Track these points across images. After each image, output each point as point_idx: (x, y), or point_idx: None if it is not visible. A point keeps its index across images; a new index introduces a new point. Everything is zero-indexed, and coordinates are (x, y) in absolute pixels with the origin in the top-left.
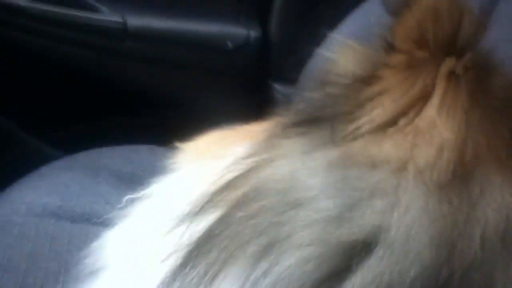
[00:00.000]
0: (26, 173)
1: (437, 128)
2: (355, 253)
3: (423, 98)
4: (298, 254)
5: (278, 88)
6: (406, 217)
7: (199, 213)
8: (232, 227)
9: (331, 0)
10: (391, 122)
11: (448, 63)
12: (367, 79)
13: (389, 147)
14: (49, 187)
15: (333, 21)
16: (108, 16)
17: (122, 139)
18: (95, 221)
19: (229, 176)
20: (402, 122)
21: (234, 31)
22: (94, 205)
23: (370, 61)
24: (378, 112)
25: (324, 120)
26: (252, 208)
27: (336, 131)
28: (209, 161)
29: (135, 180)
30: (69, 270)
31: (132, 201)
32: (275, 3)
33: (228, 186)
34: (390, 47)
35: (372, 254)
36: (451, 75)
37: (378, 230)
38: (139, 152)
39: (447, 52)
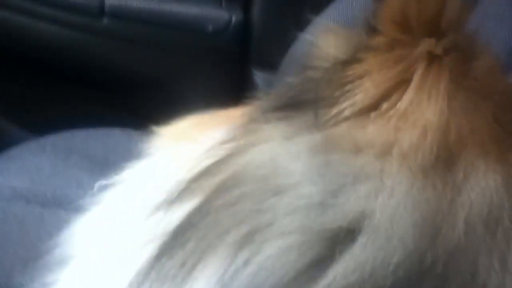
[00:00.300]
0: None
1: (420, 110)
2: (338, 240)
3: (405, 81)
4: (280, 243)
5: (258, 73)
6: (390, 202)
7: (175, 201)
8: (211, 215)
9: None
10: (374, 106)
11: (428, 44)
12: (348, 62)
13: (372, 131)
14: (18, 170)
15: (318, 6)
16: None
17: (96, 121)
18: (67, 206)
19: (206, 162)
20: (384, 105)
21: (216, 14)
22: (66, 189)
23: (352, 44)
24: (360, 96)
25: (305, 105)
26: (232, 196)
27: (318, 115)
28: (185, 145)
29: (109, 164)
30: (38, 256)
31: (104, 186)
32: None
33: (206, 172)
34: (372, 30)
35: (356, 241)
36: (432, 57)
37: (362, 216)
38: (113, 135)
39: (429, 34)
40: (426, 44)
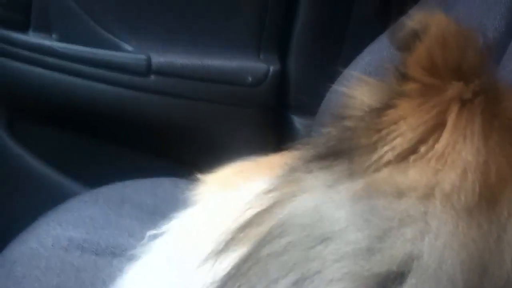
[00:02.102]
0: (52, 207)
1: (457, 152)
2: (387, 284)
3: (440, 124)
4: None
5: (298, 120)
6: (437, 243)
7: (222, 251)
8: (259, 265)
9: (348, 35)
10: (412, 150)
11: (457, 87)
12: (382, 109)
13: (413, 174)
14: (74, 221)
15: (350, 56)
16: (133, 54)
17: (145, 173)
18: (120, 254)
19: (251, 212)
20: (422, 149)
21: (254, 65)
22: (118, 238)
23: (384, 92)
24: (398, 140)
25: (345, 153)
26: (279, 245)
27: (358, 162)
28: (230, 193)
29: (158, 212)
30: None
31: (154, 236)
32: (293, 38)
33: (251, 222)
34: (402, 77)
35: (405, 283)
36: (463, 99)
37: (410, 258)
38: (161, 185)
39: (457, 78)
40: (456, 88)
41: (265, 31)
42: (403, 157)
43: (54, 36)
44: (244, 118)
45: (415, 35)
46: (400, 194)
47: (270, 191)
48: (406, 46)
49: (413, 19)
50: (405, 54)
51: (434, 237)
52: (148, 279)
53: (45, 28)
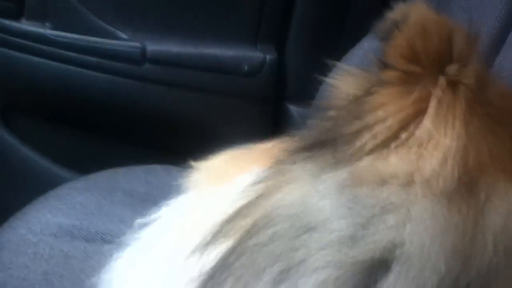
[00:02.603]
0: (43, 193)
1: (438, 137)
2: (372, 271)
3: (421, 110)
4: (315, 278)
5: (294, 109)
6: (418, 230)
7: (210, 243)
8: (246, 255)
9: (345, 25)
10: (394, 137)
11: (437, 75)
12: (363, 97)
13: (395, 162)
14: (65, 207)
15: (348, 46)
16: (128, 42)
17: (138, 160)
18: (110, 241)
19: (238, 204)
20: (403, 135)
21: (251, 55)
22: (109, 224)
23: (366, 80)
24: (379, 128)
25: (328, 143)
26: (265, 235)
27: (341, 151)
28: (220, 183)
29: (150, 199)
30: None
31: (144, 223)
32: (291, 28)
33: (237, 214)
34: (383, 66)
35: (390, 271)
36: (446, 86)
37: (393, 245)
38: (154, 172)
39: (440, 66)
40: (437, 75)
41: (262, 20)
42: (384, 144)
43: (47, 24)
44: (240, 107)
45: (396, 25)
46: (382, 181)
47: (256, 183)
48: (387, 36)
49: (394, 11)
50: (385, 43)
51: (416, 224)
52: (136, 268)
53: (38, 16)
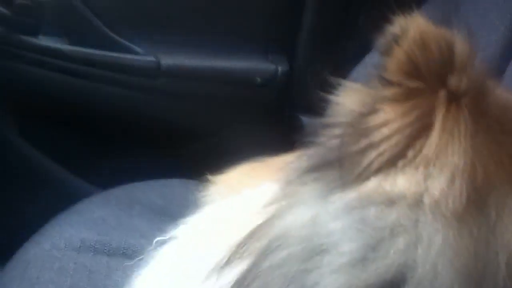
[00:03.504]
0: (63, 208)
1: (445, 154)
2: None
3: (427, 127)
4: None
5: (305, 120)
6: (430, 252)
7: (226, 265)
8: (261, 277)
9: (355, 35)
10: (400, 155)
11: (440, 90)
12: (368, 114)
13: (402, 182)
14: (86, 222)
15: (359, 56)
16: (142, 56)
17: (155, 173)
18: (131, 255)
19: (251, 226)
20: (410, 153)
21: (263, 66)
22: (130, 239)
23: (370, 97)
24: (386, 146)
25: (335, 162)
26: (278, 257)
27: (348, 171)
28: (237, 199)
29: (168, 213)
30: None
31: (162, 241)
32: (302, 39)
33: (252, 236)
34: (384, 81)
35: None
36: (450, 100)
37: (404, 268)
38: (171, 186)
39: (441, 79)
40: (439, 89)
41: (273, 32)
42: (391, 163)
43: (64, 39)
44: (253, 118)
45: (395, 40)
46: (390, 202)
47: (268, 204)
48: (387, 51)
49: (394, 24)
50: (386, 58)
51: (427, 247)
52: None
53: (55, 32)
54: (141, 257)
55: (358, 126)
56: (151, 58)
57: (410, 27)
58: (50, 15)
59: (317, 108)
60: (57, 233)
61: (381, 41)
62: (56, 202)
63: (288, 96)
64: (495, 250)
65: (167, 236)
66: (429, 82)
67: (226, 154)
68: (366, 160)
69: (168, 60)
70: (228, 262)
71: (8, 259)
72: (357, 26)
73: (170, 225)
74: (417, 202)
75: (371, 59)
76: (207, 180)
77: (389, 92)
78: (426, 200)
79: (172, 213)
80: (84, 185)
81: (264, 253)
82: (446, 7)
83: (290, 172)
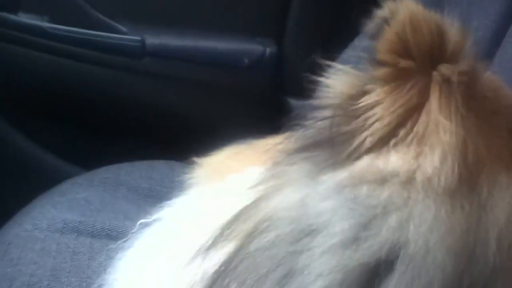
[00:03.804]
0: (46, 189)
1: (436, 133)
2: (377, 272)
3: (418, 106)
4: (320, 284)
5: (293, 102)
6: (422, 229)
7: (210, 248)
8: (248, 260)
9: (343, 17)
10: (392, 134)
11: (431, 70)
12: (358, 96)
13: (395, 160)
14: (69, 203)
15: (346, 38)
16: (127, 35)
17: (140, 155)
18: (115, 237)
19: (237, 207)
20: (402, 132)
21: (250, 48)
22: (114, 220)
23: (359, 79)
24: (377, 125)
25: (325, 143)
26: (266, 239)
27: (339, 151)
28: (222, 182)
29: (153, 195)
30: (90, 285)
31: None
32: (289, 20)
33: (237, 217)
34: (375, 63)
35: (394, 271)
36: (442, 81)
37: (397, 246)
38: (157, 167)
39: (433, 60)
40: (431, 70)
41: (261, 13)
42: (383, 142)
43: (45, 17)
44: (239, 100)
45: (385, 22)
46: (382, 180)
47: (255, 185)
48: (377, 33)
49: (383, 8)
50: (376, 39)
51: (419, 223)
52: (140, 270)
53: (36, 9)
54: (125, 239)
55: (349, 108)
56: (136, 38)
57: (400, 10)
58: None
59: (306, 90)
60: (39, 214)
61: (370, 24)
62: (39, 184)
63: (276, 78)
64: (485, 226)
65: (152, 218)
66: (420, 63)
67: (212, 136)
68: (357, 140)
69: (154, 40)
70: (213, 244)
71: None
72: (346, 8)
73: (155, 207)
74: (409, 180)
75: (361, 42)
76: (193, 162)
77: (379, 72)
78: (419, 177)
79: (157, 195)
80: (68, 167)
81: (251, 235)
82: None
83: (277, 153)
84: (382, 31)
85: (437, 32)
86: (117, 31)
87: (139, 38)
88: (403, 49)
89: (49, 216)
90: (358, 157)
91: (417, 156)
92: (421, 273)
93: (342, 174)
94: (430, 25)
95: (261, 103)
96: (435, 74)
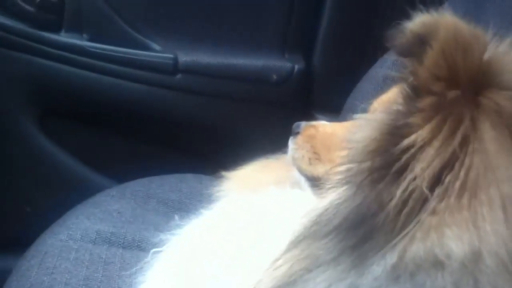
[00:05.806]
0: (80, 200)
1: (491, 181)
2: None
3: (465, 143)
4: None
5: (321, 118)
6: None
7: None
8: None
9: (373, 34)
10: (437, 180)
11: (491, 97)
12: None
13: (450, 236)
14: (102, 215)
15: (374, 55)
16: (161, 53)
17: (171, 168)
18: (146, 248)
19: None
20: (448, 178)
21: (279, 64)
22: (144, 232)
23: (398, 116)
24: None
25: (366, 217)
26: None
27: (382, 227)
28: (250, 196)
29: (183, 207)
30: None
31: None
32: (319, 37)
33: None
34: (416, 91)
35: None
36: (496, 111)
37: None
38: (186, 181)
39: (479, 86)
40: (487, 99)
41: (290, 30)
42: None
43: (85, 36)
44: (268, 116)
45: (421, 40)
46: (440, 265)
47: (278, 259)
48: (409, 52)
49: (415, 22)
50: (412, 62)
51: None
52: (169, 278)
53: (76, 29)
54: (155, 250)
55: (388, 153)
56: (169, 55)
57: (440, 25)
58: (71, 12)
59: (333, 106)
60: (73, 225)
61: (400, 40)
62: (74, 195)
63: (304, 93)
64: None
65: (182, 228)
66: (466, 89)
67: (240, 150)
68: (405, 209)
69: (186, 57)
70: None
71: (25, 249)
72: (376, 25)
73: (184, 219)
74: (474, 256)
75: (390, 57)
76: (222, 176)
77: (421, 103)
78: (485, 252)
79: (186, 207)
80: (101, 179)
81: None
82: (467, 6)
83: (306, 222)
84: (416, 48)
85: (481, 54)
86: (150, 49)
87: (172, 56)
88: (451, 75)
89: (83, 227)
90: (405, 232)
91: (474, 221)
92: None
93: (391, 259)
94: (479, 46)
95: (290, 119)
96: (484, 101)
